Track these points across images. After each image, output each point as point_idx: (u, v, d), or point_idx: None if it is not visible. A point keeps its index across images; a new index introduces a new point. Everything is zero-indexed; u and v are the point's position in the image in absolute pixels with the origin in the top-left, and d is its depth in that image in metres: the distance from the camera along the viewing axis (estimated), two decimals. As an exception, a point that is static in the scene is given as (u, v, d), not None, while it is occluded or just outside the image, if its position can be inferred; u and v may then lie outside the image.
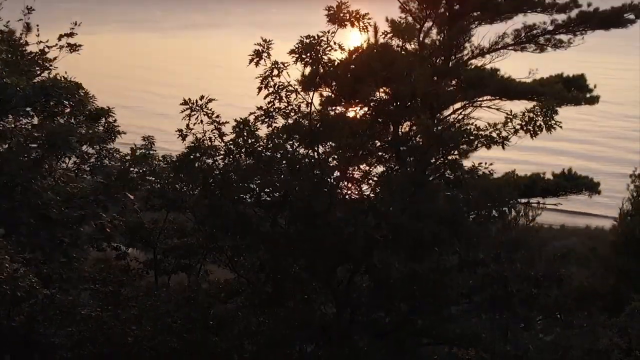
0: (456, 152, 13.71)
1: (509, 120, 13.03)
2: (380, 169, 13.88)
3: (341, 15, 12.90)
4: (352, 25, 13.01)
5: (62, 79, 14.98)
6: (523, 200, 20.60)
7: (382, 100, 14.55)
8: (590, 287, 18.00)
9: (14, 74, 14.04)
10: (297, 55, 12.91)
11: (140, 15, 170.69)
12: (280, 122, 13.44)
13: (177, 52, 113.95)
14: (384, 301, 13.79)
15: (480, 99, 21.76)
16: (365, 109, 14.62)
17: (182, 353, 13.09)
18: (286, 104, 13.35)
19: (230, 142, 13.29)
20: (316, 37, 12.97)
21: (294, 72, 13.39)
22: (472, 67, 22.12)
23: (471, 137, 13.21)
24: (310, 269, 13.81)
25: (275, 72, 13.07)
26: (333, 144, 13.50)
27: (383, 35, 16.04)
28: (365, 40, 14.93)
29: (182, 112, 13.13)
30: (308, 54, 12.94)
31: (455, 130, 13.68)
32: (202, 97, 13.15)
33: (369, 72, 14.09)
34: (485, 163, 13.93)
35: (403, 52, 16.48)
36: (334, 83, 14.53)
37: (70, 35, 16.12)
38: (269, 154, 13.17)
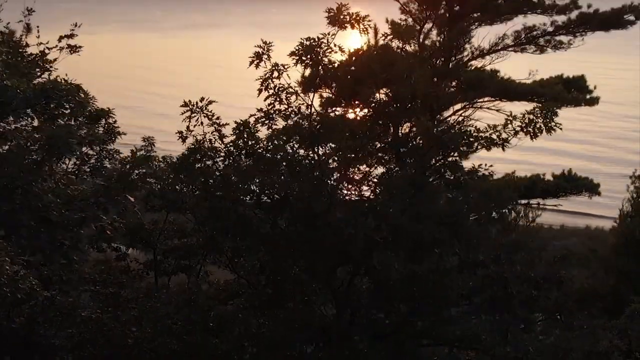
0: (456, 154, 13.73)
1: (509, 122, 13.05)
2: (380, 170, 13.89)
3: (341, 17, 12.93)
4: (352, 27, 13.05)
5: (63, 81, 14.99)
6: (523, 202, 20.62)
7: (382, 102, 14.55)
8: (590, 288, 18.02)
9: (15, 75, 14.06)
10: (297, 58, 12.94)
11: (140, 15, 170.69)
12: (280, 123, 13.47)
13: (177, 52, 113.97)
14: (384, 302, 13.80)
15: (480, 100, 21.78)
16: (365, 110, 14.63)
17: (182, 355, 13.09)
18: (286, 106, 13.37)
19: (231, 144, 13.31)
20: (316, 39, 13.00)
21: (294, 74, 13.44)
22: (472, 68, 22.14)
23: (471, 139, 13.23)
24: (310, 271, 13.82)
25: (276, 74, 13.10)
26: (333, 146, 13.51)
27: (383, 37, 16.03)
28: (366, 42, 14.94)
29: (183, 114, 13.16)
30: (308, 56, 12.97)
31: (456, 132, 13.69)
32: (202, 99, 13.17)
33: (369, 73, 14.09)
34: (485, 164, 13.97)
35: (403, 54, 16.45)
36: (334, 84, 14.54)
37: (71, 36, 16.15)
38: (269, 155, 13.19)
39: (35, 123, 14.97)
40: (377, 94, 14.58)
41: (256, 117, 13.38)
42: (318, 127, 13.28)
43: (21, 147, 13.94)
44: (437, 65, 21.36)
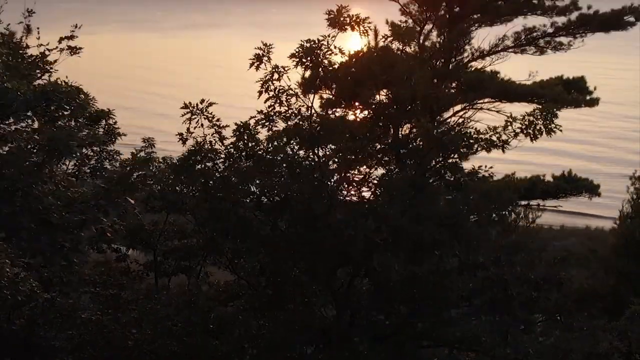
0: (456, 155, 13.74)
1: (509, 123, 13.06)
2: (380, 171, 13.90)
3: (341, 19, 12.93)
4: (353, 29, 13.06)
5: (63, 83, 14.99)
6: (523, 203, 20.61)
7: (382, 103, 14.57)
8: (590, 289, 18.02)
9: (15, 77, 14.06)
10: (297, 60, 12.94)
11: (140, 15, 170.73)
12: (280, 125, 13.47)
13: (177, 52, 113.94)
14: (384, 304, 13.82)
15: (481, 101, 21.75)
16: (366, 112, 14.64)
17: (182, 356, 13.11)
18: (286, 108, 13.37)
19: (231, 146, 13.31)
20: (316, 41, 13.00)
21: (295, 75, 13.45)
22: (472, 69, 22.11)
23: (471, 141, 13.24)
24: (310, 272, 13.83)
25: (276, 76, 13.11)
26: (333, 147, 13.52)
27: (383, 39, 16.04)
28: (366, 43, 14.93)
29: (183, 115, 13.16)
30: (308, 58, 12.97)
31: (456, 133, 13.70)
32: (202, 101, 13.18)
33: (369, 75, 14.11)
34: (485, 166, 13.98)
35: (403, 55, 16.46)
36: (334, 86, 14.56)
37: (71, 37, 16.13)
38: (269, 157, 13.19)
39: (36, 125, 14.98)
40: (377, 96, 14.60)
41: (256, 118, 13.39)
42: (318, 128, 13.29)
43: (21, 149, 13.94)
44: (437, 67, 21.33)
